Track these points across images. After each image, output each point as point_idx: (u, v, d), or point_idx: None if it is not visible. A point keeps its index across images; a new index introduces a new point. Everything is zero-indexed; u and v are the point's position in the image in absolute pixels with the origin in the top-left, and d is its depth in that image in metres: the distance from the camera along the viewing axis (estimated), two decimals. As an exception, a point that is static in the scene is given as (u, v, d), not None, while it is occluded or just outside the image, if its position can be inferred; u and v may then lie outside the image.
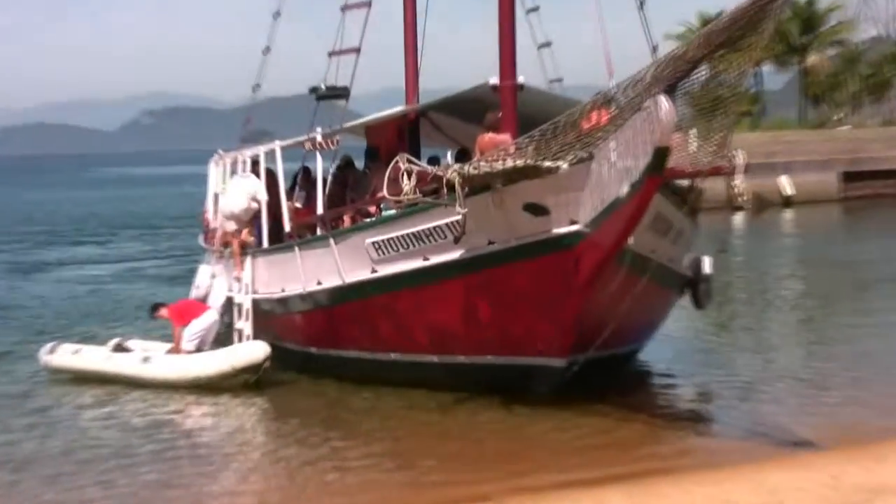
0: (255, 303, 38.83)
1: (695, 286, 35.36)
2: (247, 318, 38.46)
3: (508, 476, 25.56)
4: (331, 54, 40.90)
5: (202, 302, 39.77)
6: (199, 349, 37.47)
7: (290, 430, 32.07)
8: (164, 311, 38.55)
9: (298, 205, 41.16)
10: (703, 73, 27.27)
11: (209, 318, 38.59)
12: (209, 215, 46.49)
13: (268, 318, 38.52)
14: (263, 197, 40.99)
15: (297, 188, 41.80)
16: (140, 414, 33.61)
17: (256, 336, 37.56)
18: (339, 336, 36.55)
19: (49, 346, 38.51)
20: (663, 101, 26.43)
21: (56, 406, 35.11)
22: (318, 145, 39.49)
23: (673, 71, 27.17)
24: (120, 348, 37.67)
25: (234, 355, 36.17)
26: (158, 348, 37.75)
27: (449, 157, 37.69)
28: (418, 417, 31.90)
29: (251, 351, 36.18)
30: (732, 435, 30.11)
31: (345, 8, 40.54)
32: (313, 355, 37.54)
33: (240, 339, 37.82)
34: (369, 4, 39.79)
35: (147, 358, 36.87)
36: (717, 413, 32.78)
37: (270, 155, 41.38)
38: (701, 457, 28.07)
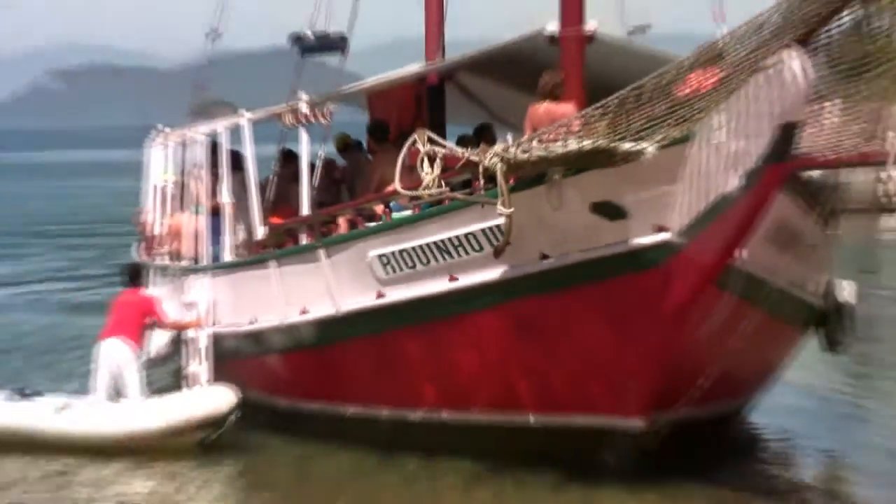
0: (216, 338, 38.24)
1: (828, 320, 34.88)
2: (204, 359, 37.74)
3: None
4: None
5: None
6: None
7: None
8: None
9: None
10: (847, 18, 26.67)
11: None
12: (148, 217, 46.02)
13: (232, 358, 37.97)
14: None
15: (273, 179, 40.84)
16: (51, 491, 33.39)
17: (229, 375, 36.87)
18: (329, 384, 36.19)
19: None
20: (795, 58, 25.87)
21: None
22: (303, 118, 38.72)
23: (808, 14, 26.33)
24: (24, 395, 37.10)
25: (190, 403, 36.07)
26: (74, 400, 37.12)
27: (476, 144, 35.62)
28: (447, 490, 31.58)
29: (214, 398, 35.93)
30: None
31: None
32: (291, 409, 37.07)
33: (191, 387, 37.05)
34: None
35: (64, 406, 36.58)
36: (854, 494, 32.60)
37: (235, 132, 40.81)
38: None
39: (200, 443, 35.41)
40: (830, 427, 37.82)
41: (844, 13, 26.19)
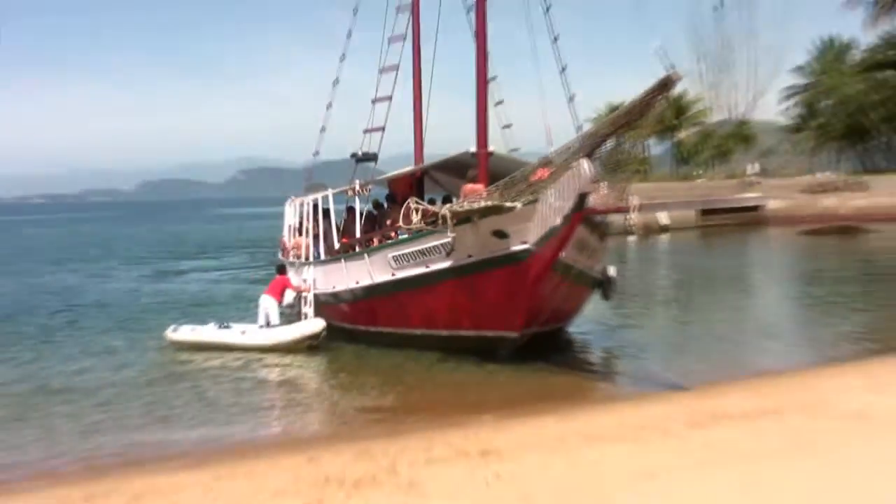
0: (316, 296, 38.69)
1: (603, 285, 35.49)
2: (310, 306, 38.56)
3: (480, 408, 25.82)
4: (365, 131, 43.34)
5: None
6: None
7: (337, 378, 32.88)
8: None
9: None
10: (610, 143, 28.34)
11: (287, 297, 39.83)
12: (285, 239, 46.45)
13: (323, 305, 38.40)
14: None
15: (343, 220, 41.65)
16: (236, 365, 34.25)
17: (321, 315, 37.60)
18: (370, 317, 36.87)
19: (172, 326, 38.95)
20: (585, 163, 28.38)
21: (180, 356, 35.79)
22: (356, 192, 39.78)
23: (591, 142, 28.84)
24: (224, 326, 38.01)
25: (303, 328, 37.01)
26: (249, 327, 37.86)
27: (439, 202, 37.11)
28: (422, 370, 32.34)
29: (314, 325, 37.00)
30: (624, 380, 31.26)
31: (374, 101, 42.57)
32: (353, 330, 37.68)
33: (305, 319, 37.62)
34: (390, 98, 42.29)
35: (244, 331, 37.49)
36: (615, 366, 33.61)
37: (326, 199, 41.57)
38: (604, 393, 29.12)
39: (308, 346, 36.19)
40: (605, 334, 38.06)
41: (609, 141, 27.66)
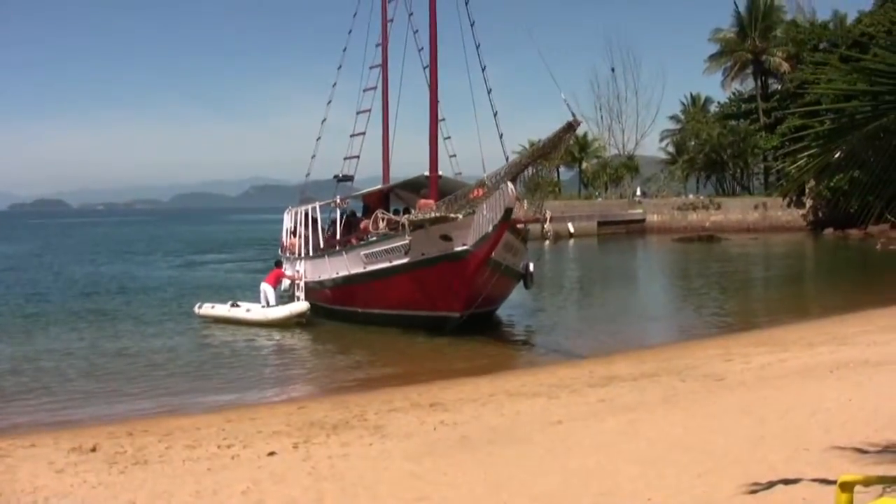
0: (305, 283, 38.47)
1: (525, 277, 35.37)
2: (301, 291, 38.29)
3: (431, 371, 25.83)
4: (345, 158, 44.10)
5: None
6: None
7: (320, 347, 32.87)
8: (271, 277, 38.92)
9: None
10: (530, 170, 28.46)
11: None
12: (284, 239, 46.25)
13: (311, 290, 38.10)
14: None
15: (328, 226, 41.44)
16: (243, 336, 34.02)
17: (308, 300, 37.31)
18: (347, 300, 36.58)
19: (198, 304, 38.98)
20: (509, 185, 28.40)
21: (203, 328, 35.50)
22: (337, 204, 40.01)
23: (515, 169, 29.06)
24: (234, 305, 37.70)
25: (291, 308, 36.76)
26: (254, 306, 37.59)
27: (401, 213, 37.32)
28: (386, 341, 32.12)
29: (300, 306, 36.69)
30: (540, 350, 31.34)
31: (352, 135, 43.44)
32: (334, 310, 37.38)
33: (296, 301, 37.41)
34: (363, 133, 43.84)
35: (248, 310, 37.28)
36: (534, 340, 33.56)
37: (314, 209, 41.39)
38: (525, 360, 29.38)
39: (298, 323, 35.85)
40: (526, 315, 38.01)
41: (529, 168, 27.72)
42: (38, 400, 23.90)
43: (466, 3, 38.16)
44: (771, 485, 11.44)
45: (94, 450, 16.48)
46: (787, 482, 11.45)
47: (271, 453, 15.42)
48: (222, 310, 38.18)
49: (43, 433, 18.91)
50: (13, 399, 23.99)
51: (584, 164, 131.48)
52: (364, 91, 44.31)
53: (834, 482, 7.37)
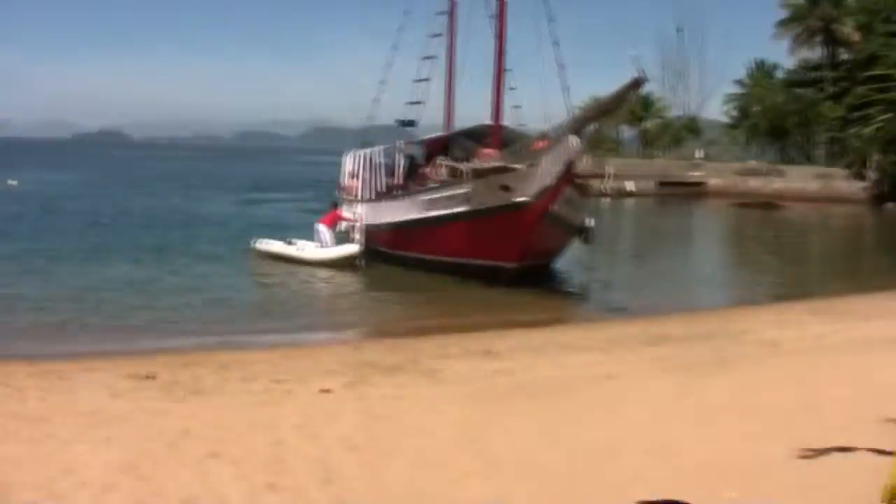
0: (364, 226, 38.42)
1: (583, 233, 35.12)
2: (359, 233, 38.20)
3: (485, 320, 25.86)
4: (408, 103, 43.33)
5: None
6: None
7: (376, 290, 33.11)
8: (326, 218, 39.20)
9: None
10: (593, 126, 28.30)
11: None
12: (343, 181, 46.21)
13: (369, 234, 38.11)
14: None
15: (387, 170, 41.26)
16: (300, 275, 34.38)
17: (366, 243, 37.44)
18: (404, 244, 36.65)
19: (254, 239, 39.54)
20: (573, 138, 28.19)
21: (260, 265, 35.93)
22: (399, 149, 40.27)
23: (578, 124, 28.86)
24: (289, 243, 38.03)
25: (341, 250, 37.01)
26: (308, 244, 37.86)
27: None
28: (442, 287, 32.29)
29: (351, 248, 36.85)
30: (595, 306, 31.70)
31: (416, 81, 43.40)
32: (390, 254, 37.41)
33: (353, 243, 37.55)
34: (428, 80, 43.09)
35: (302, 248, 37.59)
36: (589, 296, 33.73)
37: (375, 153, 41.47)
38: (580, 314, 29.69)
39: (350, 264, 36.01)
40: (581, 270, 37.87)
41: (592, 123, 27.56)
42: (97, 328, 24.30)
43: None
44: (824, 451, 11.36)
45: (151, 377, 16.71)
46: (841, 450, 11.35)
47: (325, 390, 15.50)
48: (277, 246, 38.52)
49: (102, 359, 19.19)
50: (73, 326, 24.43)
51: (646, 124, 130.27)
52: (430, 37, 43.94)
53: (889, 453, 7.32)
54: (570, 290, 34.90)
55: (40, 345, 21.72)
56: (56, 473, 10.82)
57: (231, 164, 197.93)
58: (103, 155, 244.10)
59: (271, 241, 39.19)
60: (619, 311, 29.11)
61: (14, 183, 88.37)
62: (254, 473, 10.92)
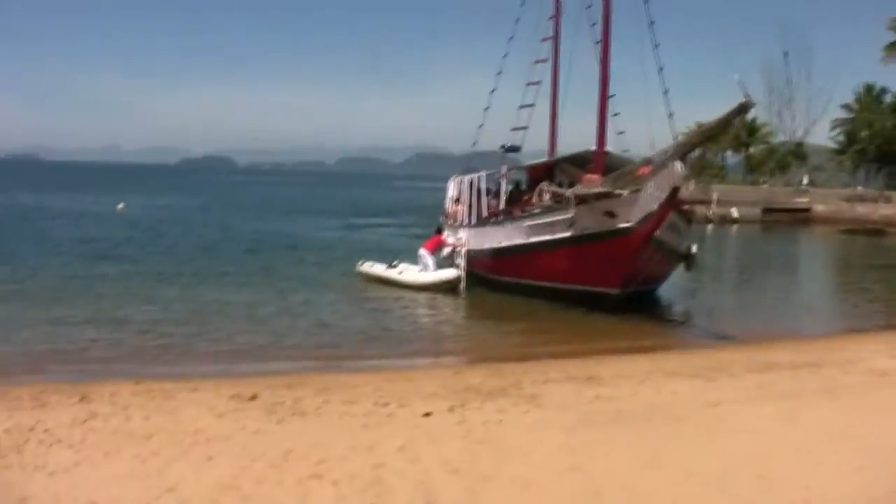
0: (467, 251, 38.60)
1: (687, 259, 34.78)
2: (462, 259, 38.38)
3: (588, 346, 25.83)
4: (512, 129, 43.33)
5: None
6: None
7: (477, 314, 33.15)
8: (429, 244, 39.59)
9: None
10: (697, 151, 28.08)
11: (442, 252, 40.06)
12: (447, 206, 46.37)
13: (472, 259, 38.24)
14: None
15: (490, 195, 41.34)
16: (402, 299, 34.57)
17: (468, 268, 37.68)
18: (507, 269, 36.59)
19: (361, 261, 40.50)
20: (677, 164, 28.20)
21: (364, 289, 36.10)
22: (502, 175, 40.36)
23: (683, 149, 28.49)
24: (392, 266, 38.51)
25: (442, 274, 37.30)
26: (410, 268, 38.32)
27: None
28: (544, 312, 32.18)
29: (451, 273, 37.19)
30: (699, 332, 30.97)
31: (521, 107, 43.33)
32: (493, 279, 37.41)
33: (456, 269, 37.82)
34: (533, 105, 42.95)
35: (402, 272, 38.08)
36: (693, 322, 33.18)
37: (479, 179, 41.48)
38: (684, 341, 29.03)
39: (454, 288, 36.28)
40: (684, 297, 37.44)
41: (697, 149, 27.35)
42: (201, 350, 24.82)
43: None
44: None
45: (253, 398, 16.87)
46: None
47: (427, 414, 15.49)
48: (380, 269, 39.06)
49: (206, 380, 19.46)
50: (178, 347, 24.91)
51: (751, 150, 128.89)
52: (534, 63, 43.76)
53: None
54: (674, 316, 34.40)
55: (145, 365, 22.19)
56: (159, 492, 11.01)
57: (335, 190, 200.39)
58: (209, 180, 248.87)
59: (374, 264, 39.80)
60: (723, 338, 28.57)
61: (123, 207, 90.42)
62: (355, 495, 10.97)
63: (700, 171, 30.28)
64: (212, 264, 44.12)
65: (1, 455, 12.57)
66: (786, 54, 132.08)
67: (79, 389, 17.50)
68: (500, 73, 47.76)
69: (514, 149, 44.04)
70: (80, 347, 24.30)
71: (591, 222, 31.63)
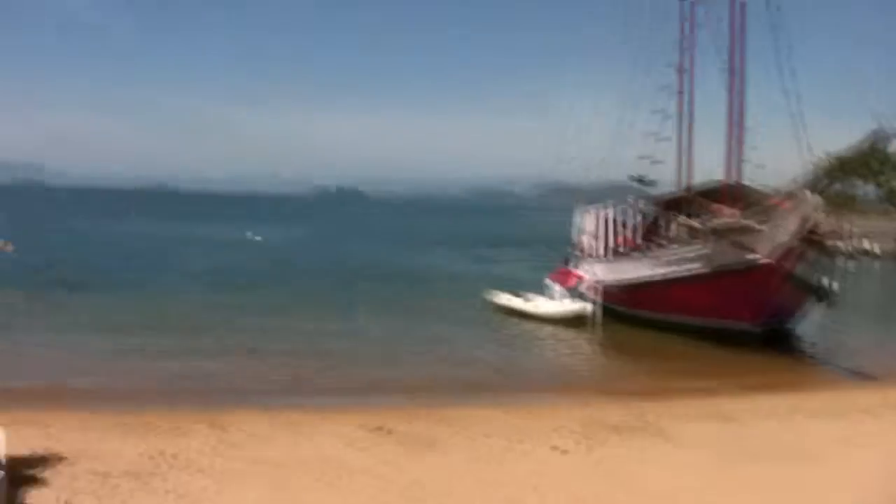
0: (597, 283, 38.27)
1: (824, 293, 34.00)
2: (590, 291, 38.02)
3: (722, 382, 25.34)
4: (639, 158, 41.93)
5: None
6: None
7: (606, 347, 33.26)
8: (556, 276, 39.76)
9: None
10: (832, 183, 27.95)
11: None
12: (576, 238, 46.06)
13: (603, 291, 37.82)
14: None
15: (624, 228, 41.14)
16: (533, 332, 34.83)
17: (598, 300, 37.21)
18: (638, 303, 36.42)
19: (490, 292, 40.90)
20: (813, 196, 28.42)
21: (494, 320, 36.23)
22: (634, 207, 40.51)
23: (817, 181, 29.13)
24: (521, 296, 39.05)
25: (572, 306, 37.27)
26: (539, 299, 38.49)
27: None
28: (676, 348, 31.70)
29: (581, 306, 36.95)
30: (836, 369, 29.97)
31: (656, 140, 41.97)
32: (624, 312, 37.12)
33: (586, 300, 37.71)
34: (668, 139, 41.39)
35: (534, 303, 38.29)
36: (830, 359, 32.22)
37: (609, 211, 41.50)
38: (820, 378, 28.28)
39: (583, 321, 35.92)
40: (823, 333, 36.53)
41: (832, 181, 27.03)
42: (333, 379, 25.37)
43: (772, 8, 37.19)
44: None
45: (384, 429, 16.96)
46: None
47: (560, 449, 15.36)
48: (509, 300, 39.46)
49: (339, 411, 19.72)
50: (311, 377, 25.42)
51: (883, 179, 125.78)
52: (660, 90, 42.51)
53: None
54: (811, 353, 33.61)
55: (278, 395, 22.51)
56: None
57: (464, 221, 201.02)
58: (340, 211, 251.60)
59: (505, 295, 40.08)
60: (863, 377, 27.70)
61: (258, 238, 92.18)
62: (487, 530, 10.89)
63: (836, 203, 29.53)
64: (342, 295, 44.96)
65: (140, 479, 12.87)
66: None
67: (213, 418, 17.87)
68: (624, 102, 47.32)
69: (648, 182, 43.39)
70: (214, 376, 24.91)
71: (726, 256, 31.22)
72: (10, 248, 64.00)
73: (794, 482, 13.57)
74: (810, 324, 36.77)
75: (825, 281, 33.92)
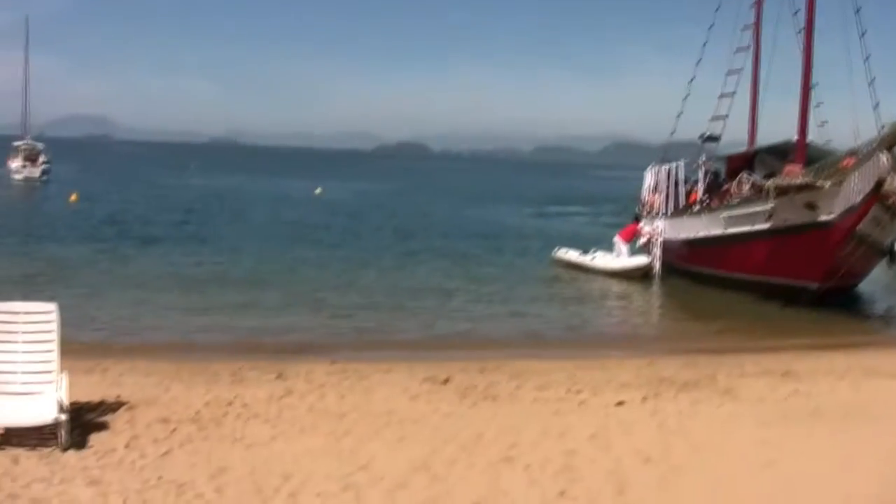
0: (663, 241, 38.53)
1: (891, 255, 33.86)
2: (657, 248, 38.46)
3: (784, 340, 25.39)
4: (711, 119, 42.34)
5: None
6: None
7: (670, 303, 33.93)
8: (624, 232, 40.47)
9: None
10: None
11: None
12: (644, 196, 45.96)
13: (668, 249, 38.22)
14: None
15: (693, 186, 41.28)
16: (598, 288, 34.97)
17: (663, 258, 38.03)
18: (702, 260, 36.49)
19: (557, 248, 41.49)
20: (883, 156, 27.35)
21: (559, 275, 36.46)
22: (701, 165, 40.24)
23: (889, 140, 27.80)
24: (585, 253, 39.55)
25: (634, 261, 38.07)
26: (604, 255, 39.16)
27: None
28: (740, 306, 31.69)
29: (641, 260, 37.98)
30: None
31: (720, 96, 42.09)
32: (688, 269, 37.34)
33: (651, 256, 38.24)
34: (734, 94, 41.77)
35: (596, 258, 38.92)
36: (893, 320, 31.93)
37: (677, 169, 41.57)
38: (885, 339, 28.24)
39: (646, 275, 36.82)
40: (884, 293, 36.47)
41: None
42: (396, 332, 25.71)
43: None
44: None
45: (446, 381, 17.12)
46: None
47: (620, 403, 15.41)
48: (574, 255, 39.97)
49: (400, 362, 19.86)
50: (374, 329, 25.77)
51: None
52: (735, 52, 42.69)
53: None
54: (875, 313, 33.59)
55: (341, 347, 22.75)
56: (352, 469, 11.26)
57: (531, 178, 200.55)
58: (404, 166, 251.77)
59: (570, 251, 40.57)
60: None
61: (320, 191, 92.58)
62: (546, 480, 11.00)
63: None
64: (408, 250, 45.23)
65: (201, 426, 13.09)
66: None
67: (275, 367, 18.16)
68: (699, 61, 46.97)
69: (714, 138, 43.06)
70: (277, 328, 25.15)
71: (791, 214, 31.04)
72: (75, 199, 65.11)
73: (848, 440, 13.55)
74: (876, 284, 36.60)
75: (893, 242, 33.79)
